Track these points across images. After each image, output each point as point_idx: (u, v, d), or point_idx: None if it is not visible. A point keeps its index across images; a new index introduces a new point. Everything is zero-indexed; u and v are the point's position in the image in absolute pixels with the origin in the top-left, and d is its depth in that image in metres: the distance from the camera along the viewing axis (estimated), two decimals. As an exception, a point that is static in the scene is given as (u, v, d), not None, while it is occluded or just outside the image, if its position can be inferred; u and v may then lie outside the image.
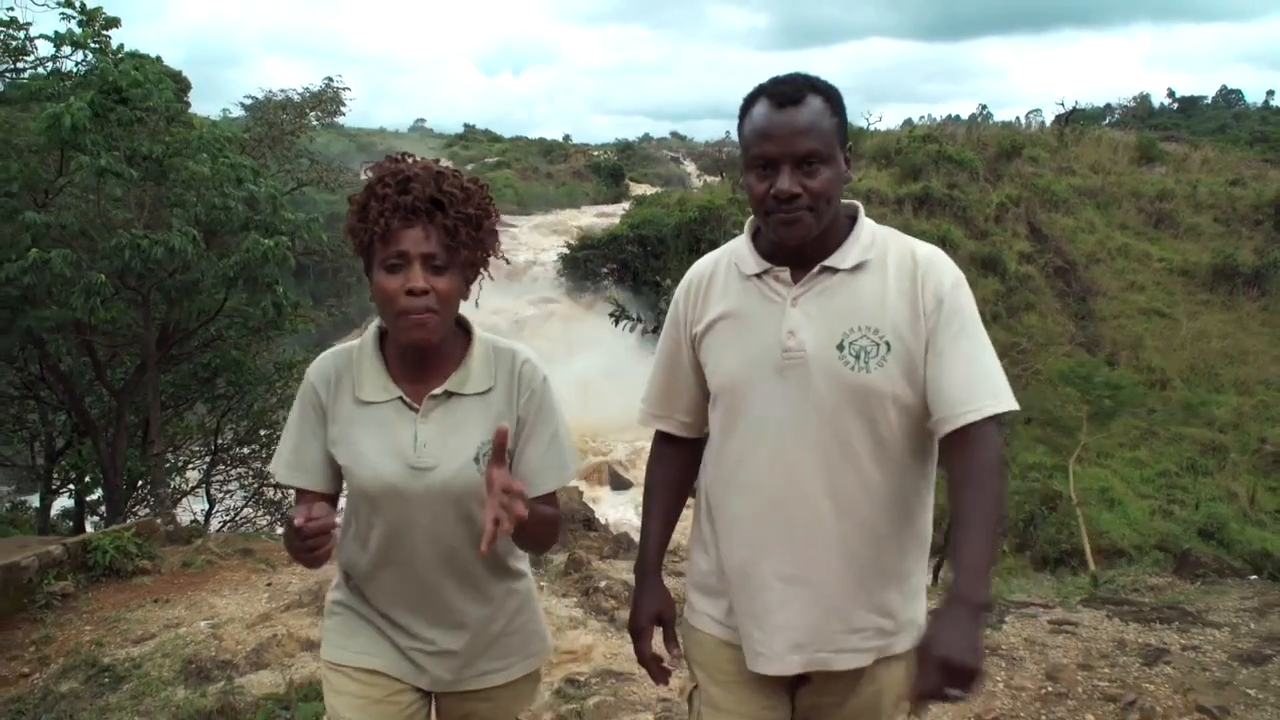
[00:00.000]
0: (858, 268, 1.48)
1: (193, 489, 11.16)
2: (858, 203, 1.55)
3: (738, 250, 1.57)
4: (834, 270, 1.48)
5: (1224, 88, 70.08)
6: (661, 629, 1.68)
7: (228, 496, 11.73)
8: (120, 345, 8.90)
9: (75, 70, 7.66)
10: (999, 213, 26.48)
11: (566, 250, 27.55)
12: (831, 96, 1.47)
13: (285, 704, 3.61)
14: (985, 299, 23.98)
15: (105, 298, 6.49)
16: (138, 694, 4.36)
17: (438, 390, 1.55)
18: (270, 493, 11.33)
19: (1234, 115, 57.05)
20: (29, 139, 7.25)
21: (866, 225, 1.52)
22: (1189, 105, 63.49)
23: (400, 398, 1.55)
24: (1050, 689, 3.14)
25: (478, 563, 1.60)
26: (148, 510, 8.43)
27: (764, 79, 1.51)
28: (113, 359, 9.22)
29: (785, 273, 1.50)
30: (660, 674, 1.67)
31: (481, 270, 1.58)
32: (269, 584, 5.48)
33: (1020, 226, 26.67)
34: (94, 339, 8.27)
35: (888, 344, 1.44)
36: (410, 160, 1.54)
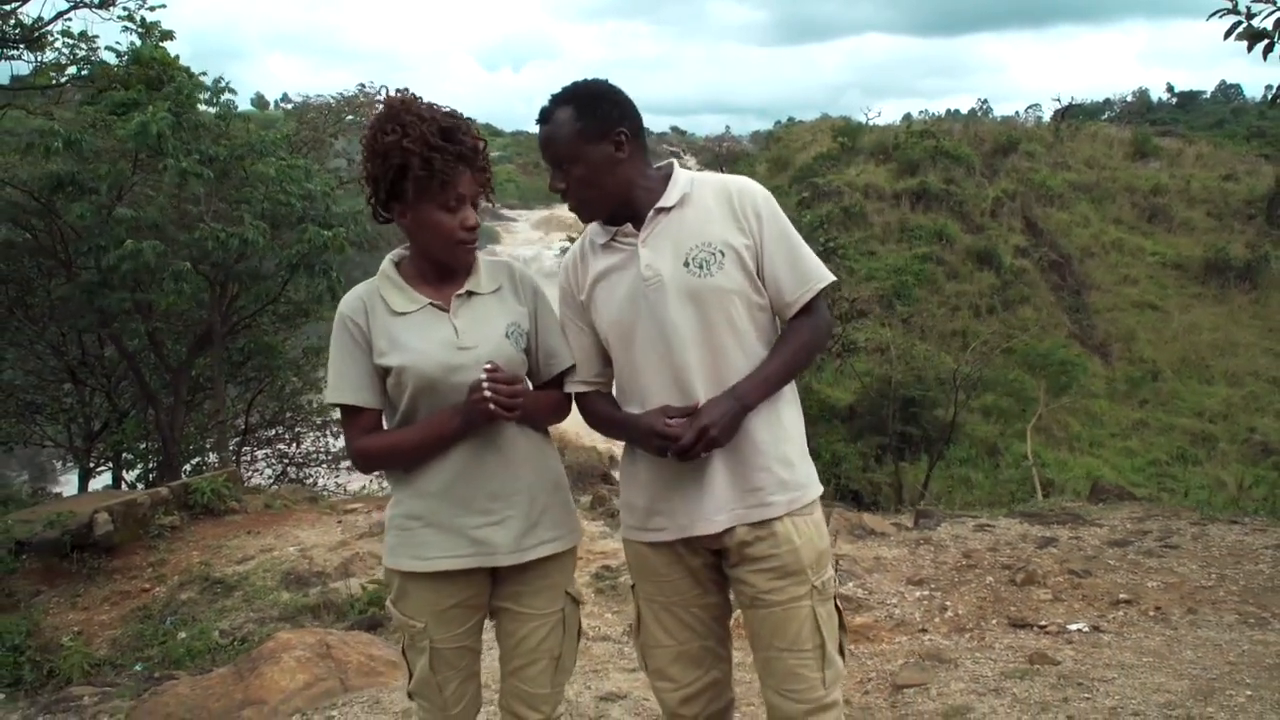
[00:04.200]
0: (681, 202, 1.84)
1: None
2: (672, 160, 1.98)
3: (591, 229, 1.95)
4: (665, 210, 1.84)
5: (1223, 82, 69.54)
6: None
7: (255, 475, 12.23)
8: (182, 327, 9.80)
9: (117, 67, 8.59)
10: (995, 207, 26.68)
11: (568, 244, 28.04)
12: (581, 102, 1.80)
13: (386, 586, 4.57)
14: (981, 292, 24.40)
15: (187, 282, 7.48)
16: (248, 598, 5.32)
17: (461, 291, 1.87)
18: (293, 473, 12.13)
19: (1233, 110, 56.05)
20: (109, 142, 8.19)
21: (681, 173, 1.90)
22: (1188, 100, 62.59)
23: (430, 303, 1.85)
24: (965, 563, 4.17)
25: (516, 431, 1.87)
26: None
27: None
28: (154, 342, 9.82)
29: (628, 226, 1.86)
30: (674, 433, 1.75)
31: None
32: (339, 521, 6.45)
33: (1016, 221, 26.72)
34: (159, 321, 9.21)
35: (721, 252, 1.80)
36: (421, 102, 1.81)
